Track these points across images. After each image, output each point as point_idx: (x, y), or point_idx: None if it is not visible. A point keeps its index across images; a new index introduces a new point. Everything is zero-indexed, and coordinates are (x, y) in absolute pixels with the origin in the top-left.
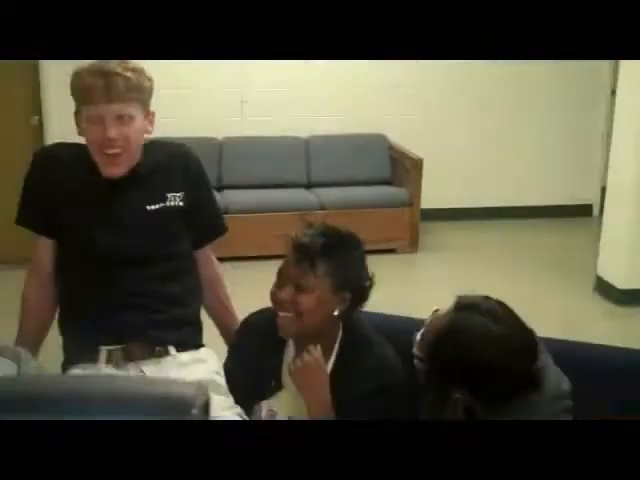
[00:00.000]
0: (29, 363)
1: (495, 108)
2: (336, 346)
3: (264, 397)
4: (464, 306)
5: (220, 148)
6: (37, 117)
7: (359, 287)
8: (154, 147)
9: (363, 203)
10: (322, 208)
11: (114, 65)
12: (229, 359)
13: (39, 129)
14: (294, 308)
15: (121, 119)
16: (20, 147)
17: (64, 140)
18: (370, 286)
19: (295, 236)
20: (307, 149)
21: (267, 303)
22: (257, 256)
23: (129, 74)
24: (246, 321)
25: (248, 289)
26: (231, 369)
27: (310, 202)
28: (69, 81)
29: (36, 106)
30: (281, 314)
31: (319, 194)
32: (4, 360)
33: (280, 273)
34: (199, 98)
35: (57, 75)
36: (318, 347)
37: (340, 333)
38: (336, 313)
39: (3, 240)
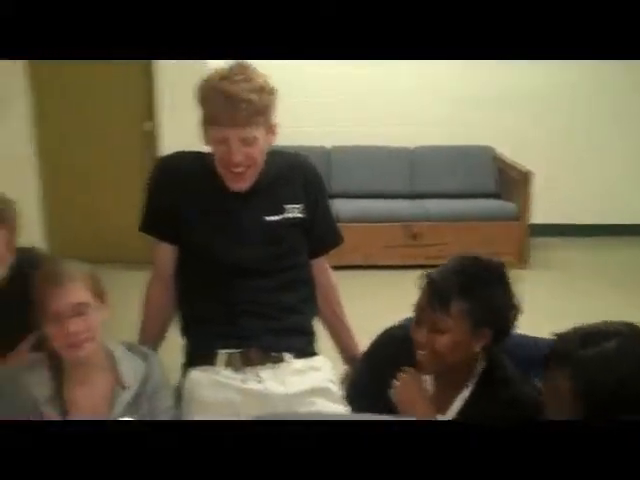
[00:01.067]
0: (155, 362)
1: (608, 120)
2: (474, 378)
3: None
4: (602, 335)
5: (328, 157)
6: (151, 123)
7: (501, 322)
8: (274, 157)
9: (469, 215)
10: (427, 219)
11: (239, 88)
12: (361, 367)
13: (152, 134)
14: (430, 348)
15: (246, 141)
16: (133, 152)
17: (177, 146)
18: (515, 316)
19: (428, 273)
20: (412, 159)
21: (373, 314)
22: (361, 265)
23: (253, 97)
24: (388, 334)
25: (355, 299)
26: (358, 379)
27: (415, 213)
28: (183, 88)
29: (149, 111)
30: (419, 352)
31: (424, 205)
32: (135, 357)
33: (416, 310)
34: (309, 105)
35: (171, 81)
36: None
37: (482, 364)
38: (476, 350)
39: (122, 241)
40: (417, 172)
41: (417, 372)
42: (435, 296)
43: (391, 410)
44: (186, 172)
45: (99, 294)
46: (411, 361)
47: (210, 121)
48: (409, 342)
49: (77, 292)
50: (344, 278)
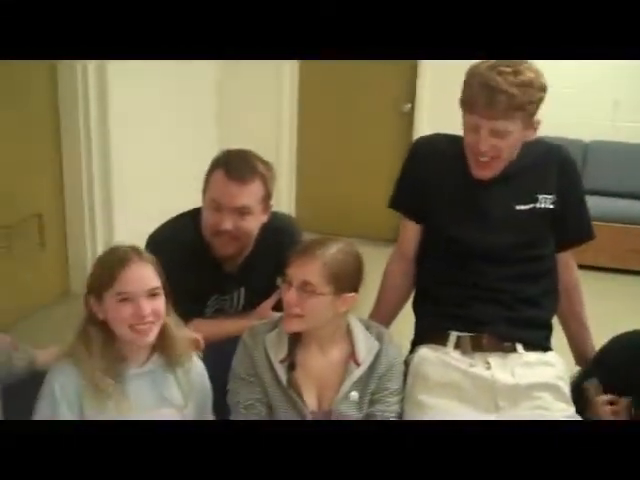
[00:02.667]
0: (389, 342)
1: None
2: None
3: None
4: None
5: (585, 151)
6: (409, 105)
7: None
8: (529, 145)
9: None
10: None
11: (502, 80)
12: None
13: (410, 116)
14: None
15: (497, 133)
16: (390, 132)
17: (432, 128)
18: None
19: None
20: None
21: (610, 316)
22: (604, 267)
23: (515, 91)
24: (616, 341)
25: (594, 300)
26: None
27: None
28: (444, 72)
29: (410, 94)
30: None
31: None
32: (371, 336)
33: None
34: (570, 97)
35: (434, 68)
36: None
37: None
38: None
39: (367, 220)
40: None
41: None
42: None
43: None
44: (440, 155)
45: None
46: None
47: (465, 107)
48: None
49: None
50: (585, 278)
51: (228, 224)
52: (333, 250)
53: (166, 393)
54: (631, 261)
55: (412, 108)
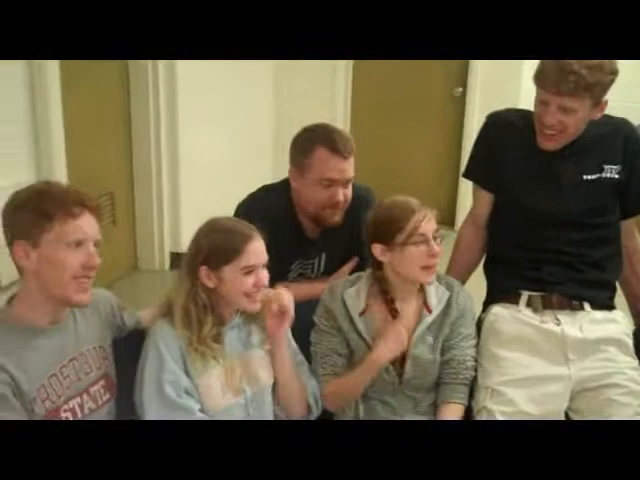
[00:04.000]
0: (461, 291)
1: None
2: None
3: None
4: None
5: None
6: (461, 89)
7: None
8: (598, 120)
9: None
10: None
11: (574, 60)
12: None
13: (461, 99)
14: None
15: (564, 109)
16: (442, 115)
17: (483, 112)
18: None
19: None
20: None
21: None
22: None
23: (584, 72)
24: None
25: None
26: None
27: None
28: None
29: (462, 78)
30: None
31: None
32: (441, 286)
33: None
34: (626, 81)
35: None
36: None
37: None
38: None
39: (426, 203)
40: None
41: None
42: None
43: None
44: (511, 127)
45: None
46: None
47: (537, 81)
48: None
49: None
50: None
51: (341, 196)
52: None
53: (251, 339)
54: None
55: (464, 92)
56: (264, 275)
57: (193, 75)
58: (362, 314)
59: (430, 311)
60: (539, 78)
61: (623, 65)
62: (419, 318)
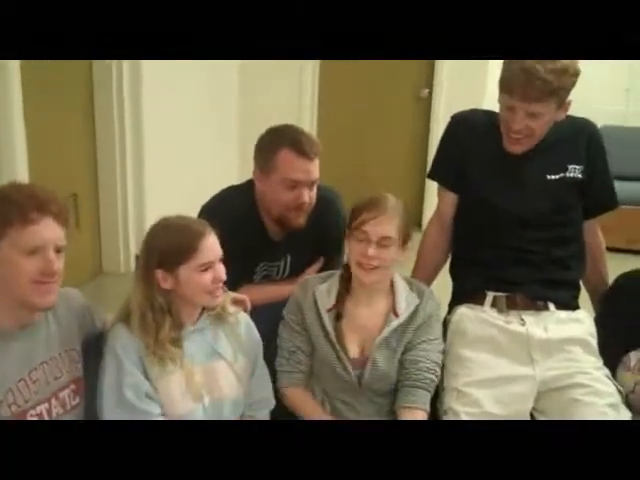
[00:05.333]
0: (430, 298)
1: None
2: None
3: (634, 348)
4: None
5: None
6: (427, 90)
7: None
8: (561, 121)
9: None
10: None
11: (540, 67)
12: (603, 310)
13: (427, 101)
14: None
15: (531, 115)
16: (408, 117)
17: (448, 112)
18: None
19: None
20: None
21: None
22: (621, 249)
23: (551, 77)
24: (623, 277)
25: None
26: (604, 321)
27: None
28: (460, 61)
29: (428, 80)
30: None
31: None
32: (412, 292)
33: None
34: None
35: None
36: None
37: None
38: None
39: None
40: None
41: None
42: None
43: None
44: (476, 128)
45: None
46: None
47: (503, 87)
48: None
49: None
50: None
51: (306, 197)
52: (397, 204)
53: (218, 347)
54: None
55: (430, 93)
56: (221, 269)
57: (158, 75)
58: (330, 310)
59: (397, 315)
60: (505, 85)
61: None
62: (384, 322)
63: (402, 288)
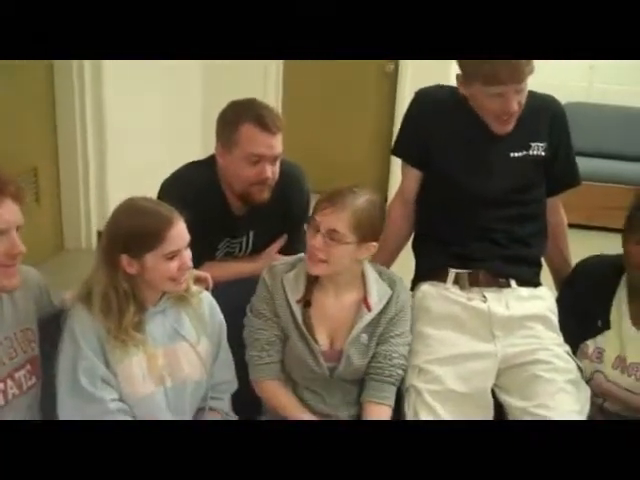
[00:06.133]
0: (402, 289)
1: None
2: None
3: (592, 336)
4: None
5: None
6: (393, 65)
7: None
8: (526, 99)
9: None
10: None
11: None
12: (562, 296)
13: (393, 76)
14: None
15: (520, 91)
16: (374, 92)
17: (415, 87)
18: None
19: None
20: None
21: None
22: (582, 225)
23: None
24: (583, 264)
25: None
26: (563, 307)
27: None
28: None
29: None
30: None
31: None
32: (383, 283)
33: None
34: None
35: None
36: None
37: None
38: None
39: (358, 179)
40: None
41: None
42: None
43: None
44: (441, 105)
45: None
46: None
47: (490, 81)
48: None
49: None
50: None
51: (269, 172)
52: (361, 200)
53: (180, 329)
54: (602, 218)
55: (396, 68)
56: (188, 257)
57: (119, 73)
58: (300, 301)
59: (370, 309)
60: (489, 77)
61: None
62: (356, 315)
63: (374, 280)
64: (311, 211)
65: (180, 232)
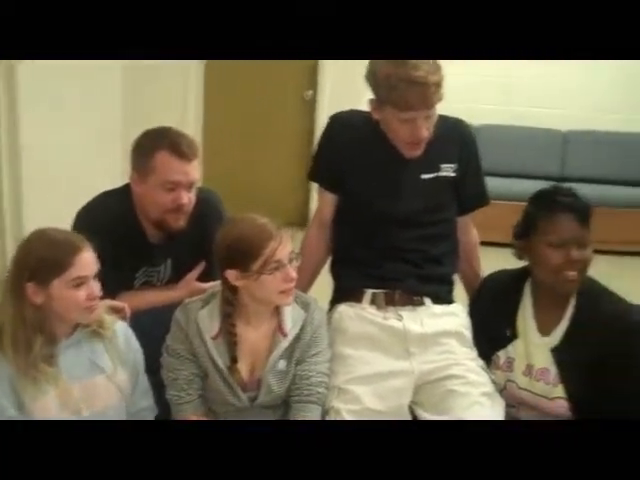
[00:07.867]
0: (316, 311)
1: None
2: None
3: (502, 346)
4: None
5: (477, 134)
6: (311, 92)
7: None
8: (436, 122)
9: (620, 202)
10: None
11: (424, 73)
12: (472, 312)
13: (312, 103)
14: (582, 264)
15: (430, 118)
16: (293, 118)
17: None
18: None
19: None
20: (564, 143)
21: None
22: (501, 243)
23: (437, 78)
24: (487, 279)
25: None
26: (474, 322)
27: None
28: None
29: (312, 81)
30: (570, 273)
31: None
32: (297, 306)
33: (560, 234)
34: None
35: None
36: None
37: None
38: None
39: (278, 204)
40: (569, 156)
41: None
42: (579, 215)
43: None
44: (354, 130)
45: None
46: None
47: (397, 106)
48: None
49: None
50: (486, 253)
51: (185, 199)
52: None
53: (97, 360)
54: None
55: (314, 95)
56: (96, 286)
57: (35, 74)
58: (215, 338)
59: (285, 335)
60: (399, 103)
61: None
62: (273, 342)
63: (287, 305)
64: (270, 250)
65: (88, 259)
